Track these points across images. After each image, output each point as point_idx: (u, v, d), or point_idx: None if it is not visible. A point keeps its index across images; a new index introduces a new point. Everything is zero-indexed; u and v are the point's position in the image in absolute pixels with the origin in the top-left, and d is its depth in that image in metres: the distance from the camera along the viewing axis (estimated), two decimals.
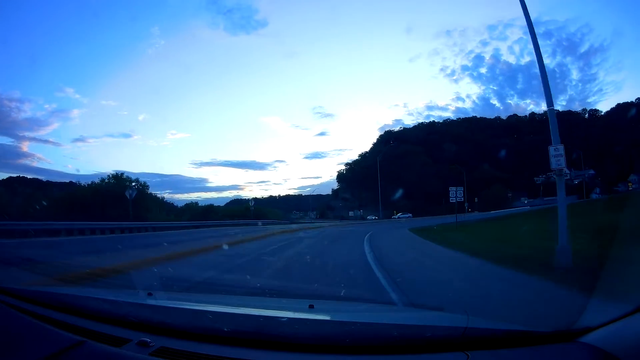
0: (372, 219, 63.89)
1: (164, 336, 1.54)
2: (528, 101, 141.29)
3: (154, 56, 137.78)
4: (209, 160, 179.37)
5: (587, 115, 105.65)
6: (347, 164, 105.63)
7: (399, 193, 69.69)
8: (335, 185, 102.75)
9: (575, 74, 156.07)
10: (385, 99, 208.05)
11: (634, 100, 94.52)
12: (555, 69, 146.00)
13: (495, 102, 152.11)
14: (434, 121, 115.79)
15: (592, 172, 73.98)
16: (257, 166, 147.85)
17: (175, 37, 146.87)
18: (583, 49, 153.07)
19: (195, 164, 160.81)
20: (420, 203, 76.21)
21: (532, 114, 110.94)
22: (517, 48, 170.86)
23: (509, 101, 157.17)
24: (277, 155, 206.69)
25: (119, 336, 1.55)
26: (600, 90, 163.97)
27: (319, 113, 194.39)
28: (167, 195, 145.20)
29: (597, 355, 1.25)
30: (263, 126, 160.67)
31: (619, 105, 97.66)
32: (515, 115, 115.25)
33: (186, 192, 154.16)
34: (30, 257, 7.44)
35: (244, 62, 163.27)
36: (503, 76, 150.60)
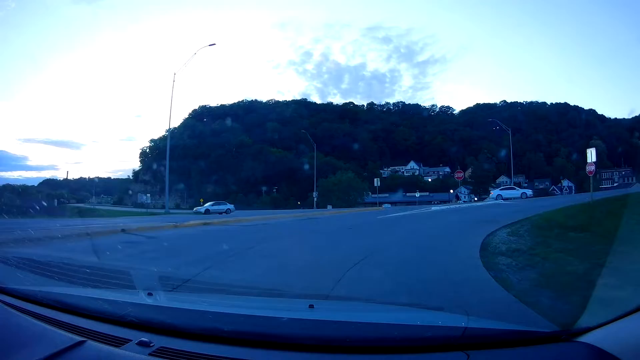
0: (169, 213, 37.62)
1: (164, 336, 1.54)
2: (349, 100, 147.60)
3: None
4: (30, 137, 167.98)
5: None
6: (151, 141, 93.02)
7: (213, 178, 63.44)
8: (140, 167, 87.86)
9: (407, 80, 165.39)
10: (202, 80, 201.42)
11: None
12: (387, 73, 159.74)
13: (316, 99, 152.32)
14: (256, 100, 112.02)
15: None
16: (74, 146, 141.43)
17: None
18: (422, 57, 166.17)
19: (21, 139, 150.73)
20: (238, 190, 70.63)
21: (371, 103, 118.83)
22: (350, 49, 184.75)
23: (330, 99, 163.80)
24: (94, 136, 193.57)
25: (119, 336, 1.54)
26: (432, 99, 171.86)
27: (137, 94, 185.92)
28: None
29: (597, 355, 1.25)
30: (83, 104, 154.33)
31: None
32: (352, 102, 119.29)
33: (9, 170, 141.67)
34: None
35: (68, 37, 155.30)
36: (329, 74, 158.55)
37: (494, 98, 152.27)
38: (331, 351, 1.41)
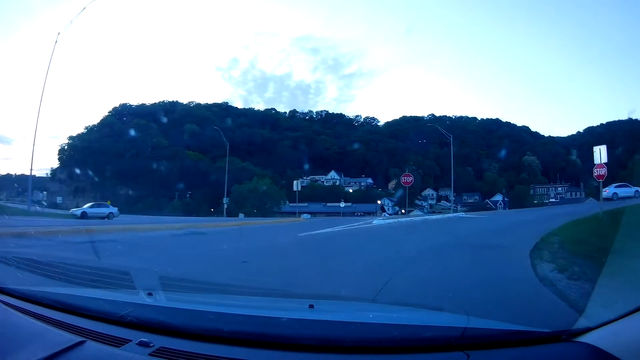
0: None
1: (164, 336, 1.54)
2: (269, 107, 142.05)
3: None
4: None
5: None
6: (70, 137, 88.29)
7: (127, 179, 59.16)
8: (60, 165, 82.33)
9: (332, 92, 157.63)
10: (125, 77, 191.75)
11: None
12: (312, 84, 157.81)
13: (238, 106, 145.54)
14: (177, 100, 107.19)
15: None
16: (5, 141, 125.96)
17: None
18: (349, 70, 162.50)
19: None
20: (150, 193, 66.83)
21: (294, 110, 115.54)
22: (277, 57, 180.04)
23: (253, 106, 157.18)
24: (24, 132, 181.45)
25: (119, 336, 1.54)
26: (356, 111, 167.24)
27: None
28: None
29: (597, 355, 1.26)
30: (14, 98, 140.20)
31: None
32: (274, 109, 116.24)
33: None
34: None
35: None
36: (254, 82, 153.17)
37: (422, 111, 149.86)
38: (331, 351, 1.42)
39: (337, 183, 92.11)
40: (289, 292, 3.98)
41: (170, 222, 22.51)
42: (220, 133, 47.66)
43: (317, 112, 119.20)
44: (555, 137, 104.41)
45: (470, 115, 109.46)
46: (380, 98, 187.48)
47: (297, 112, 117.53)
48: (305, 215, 45.93)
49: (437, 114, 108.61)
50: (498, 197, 75.73)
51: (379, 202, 68.45)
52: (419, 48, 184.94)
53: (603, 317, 1.42)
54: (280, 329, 1.61)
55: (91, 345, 1.48)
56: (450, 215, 30.24)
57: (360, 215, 49.84)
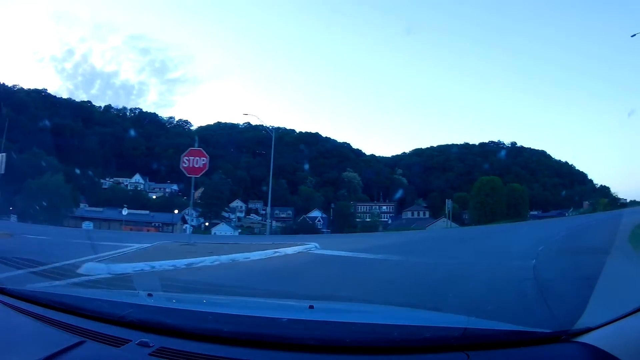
0: None
1: (164, 336, 1.54)
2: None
3: None
4: None
5: None
6: None
7: None
8: None
9: (153, 96, 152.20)
10: None
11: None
12: (136, 84, 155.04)
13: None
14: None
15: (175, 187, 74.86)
16: None
17: None
18: (174, 75, 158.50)
19: None
20: None
21: (109, 105, 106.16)
22: (109, 54, 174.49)
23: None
24: None
25: (118, 336, 1.55)
26: (172, 118, 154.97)
27: None
28: None
29: (597, 355, 1.26)
30: None
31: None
32: (89, 101, 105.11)
33: None
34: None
35: None
36: (83, 77, 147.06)
37: (239, 119, 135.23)
38: (331, 351, 1.42)
39: (141, 187, 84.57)
40: (289, 293, 4.05)
41: None
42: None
43: (130, 109, 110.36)
44: (378, 156, 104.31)
45: (288, 127, 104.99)
46: (200, 105, 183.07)
47: (112, 107, 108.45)
48: (87, 224, 40.77)
49: (253, 123, 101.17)
50: (316, 214, 71.32)
51: (176, 211, 60.24)
52: (244, 57, 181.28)
53: (603, 317, 1.42)
54: (280, 330, 1.61)
55: (91, 345, 1.49)
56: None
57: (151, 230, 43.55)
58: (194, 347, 1.45)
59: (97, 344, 1.50)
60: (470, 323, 1.57)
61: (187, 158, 13.45)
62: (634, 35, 22.47)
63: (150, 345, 1.46)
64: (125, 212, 50.11)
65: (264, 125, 43.04)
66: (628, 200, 66.49)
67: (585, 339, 1.36)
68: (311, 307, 2.11)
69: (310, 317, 1.95)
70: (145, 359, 1.41)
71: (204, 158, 13.52)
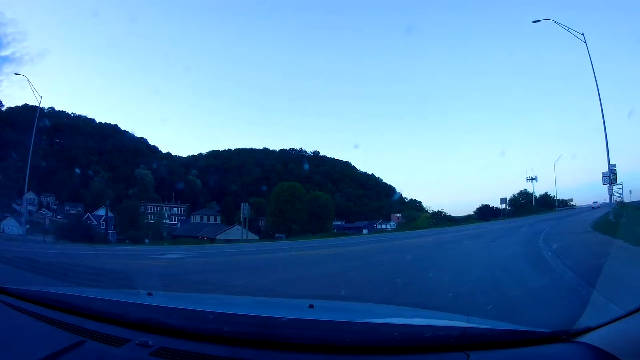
0: None
1: (164, 336, 1.54)
2: None
3: None
4: None
5: None
6: None
7: None
8: None
9: None
10: None
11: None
12: None
13: None
14: None
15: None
16: None
17: None
18: (4, 52, 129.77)
19: None
20: None
21: None
22: None
23: None
24: None
25: (119, 336, 1.55)
26: None
27: None
28: None
29: (597, 355, 1.26)
30: None
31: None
32: None
33: None
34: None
35: None
36: None
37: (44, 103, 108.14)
38: (331, 351, 1.42)
39: None
40: (289, 293, 4.04)
41: None
42: None
43: None
44: (174, 155, 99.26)
45: (89, 116, 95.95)
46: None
47: None
48: None
49: (57, 108, 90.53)
50: (101, 212, 58.61)
51: None
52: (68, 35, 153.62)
53: (603, 317, 1.42)
54: (280, 329, 1.61)
55: (91, 345, 1.49)
56: None
57: None
58: (194, 347, 1.45)
59: (97, 344, 1.50)
60: (470, 323, 1.57)
61: None
62: (536, 21, 23.54)
63: (151, 344, 1.46)
64: None
65: (33, 89, 39.68)
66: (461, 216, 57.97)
67: (585, 338, 1.36)
68: (311, 306, 2.11)
69: (310, 317, 1.93)
70: (145, 359, 1.41)
71: None
